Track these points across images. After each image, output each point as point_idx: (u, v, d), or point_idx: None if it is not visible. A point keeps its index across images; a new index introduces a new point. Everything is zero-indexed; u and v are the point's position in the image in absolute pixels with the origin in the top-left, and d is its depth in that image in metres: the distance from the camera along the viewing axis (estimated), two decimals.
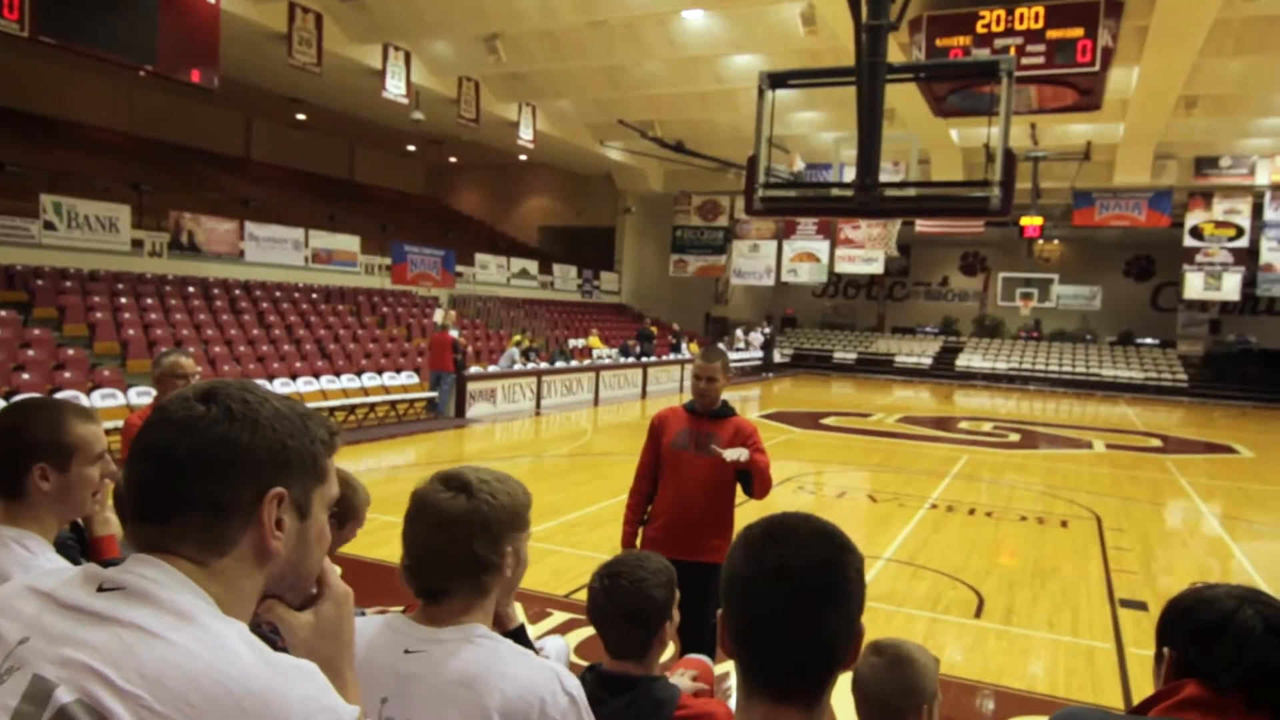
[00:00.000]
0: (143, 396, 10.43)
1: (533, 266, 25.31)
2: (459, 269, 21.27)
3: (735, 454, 3.70)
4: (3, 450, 1.78)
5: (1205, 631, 1.34)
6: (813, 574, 1.04)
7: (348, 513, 2.40)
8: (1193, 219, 23.17)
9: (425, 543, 1.44)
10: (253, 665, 0.87)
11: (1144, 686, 4.93)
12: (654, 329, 25.03)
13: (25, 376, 10.40)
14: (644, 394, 20.71)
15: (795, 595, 1.03)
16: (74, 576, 0.94)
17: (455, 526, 1.44)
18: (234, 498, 0.96)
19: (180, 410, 0.96)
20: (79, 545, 2.28)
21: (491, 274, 23.39)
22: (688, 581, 3.64)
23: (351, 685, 1.07)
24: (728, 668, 4.84)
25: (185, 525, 0.95)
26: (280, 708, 0.85)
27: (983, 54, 10.59)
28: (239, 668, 0.86)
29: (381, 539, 7.16)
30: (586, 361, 20.26)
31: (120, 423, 4.61)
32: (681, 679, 2.11)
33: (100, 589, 0.91)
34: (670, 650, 3.53)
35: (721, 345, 21.76)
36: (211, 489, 0.95)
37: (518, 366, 17.37)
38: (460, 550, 1.44)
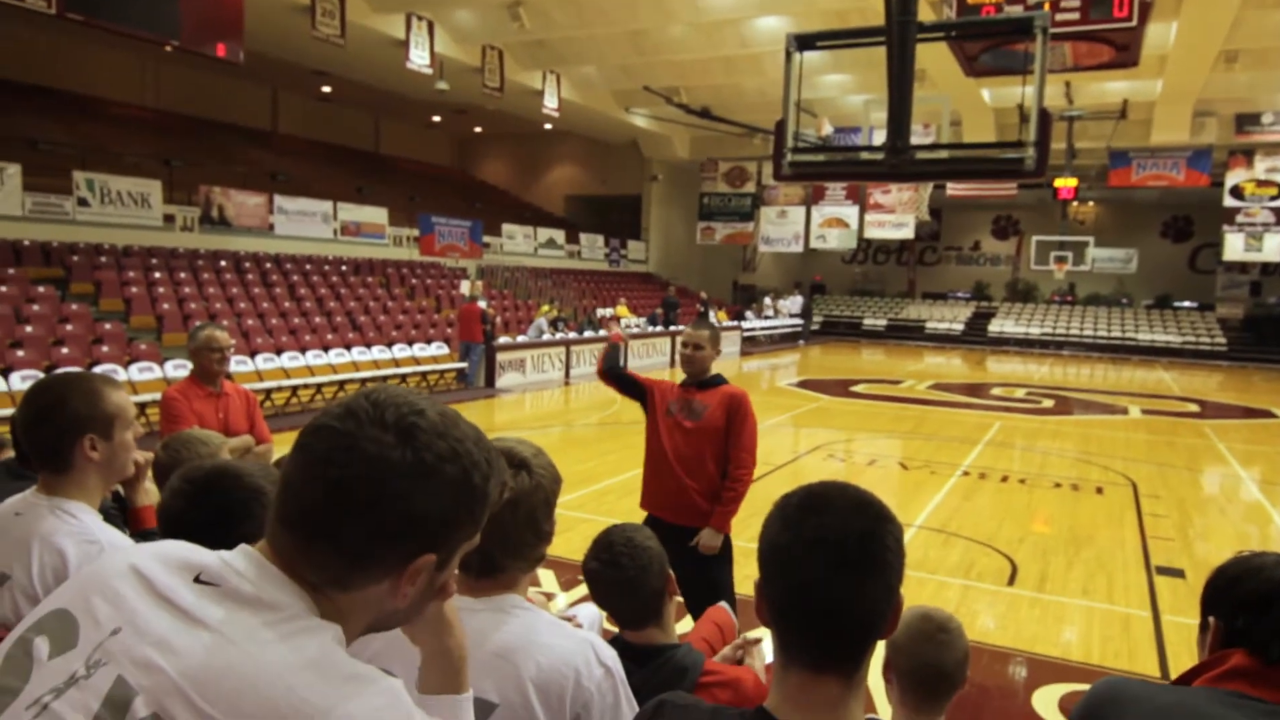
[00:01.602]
0: (179, 369, 10.59)
1: (559, 236, 25.27)
2: (486, 239, 21.30)
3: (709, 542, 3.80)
4: (49, 426, 1.82)
5: (1254, 601, 1.31)
6: (850, 544, 1.03)
7: None
8: (1233, 178, 22.58)
9: (492, 522, 1.44)
10: (333, 691, 0.83)
11: (1180, 654, 4.89)
12: (678, 298, 24.95)
13: (64, 351, 10.59)
14: (672, 362, 20.69)
15: (833, 566, 1.02)
16: (175, 559, 0.90)
17: (525, 505, 1.45)
18: (385, 555, 0.90)
19: (372, 444, 0.87)
20: (121, 514, 2.32)
21: (518, 244, 23.40)
22: (683, 546, 3.67)
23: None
24: (760, 633, 4.86)
25: (320, 557, 0.89)
26: None
27: (1016, 10, 10.31)
28: (321, 693, 0.82)
29: None
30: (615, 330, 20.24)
31: (158, 395, 4.67)
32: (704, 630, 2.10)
33: (198, 579, 0.88)
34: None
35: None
36: (367, 541, 0.88)
37: (546, 336, 17.41)
38: (529, 527, 1.47)
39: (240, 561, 0.90)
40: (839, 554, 1.03)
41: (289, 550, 0.90)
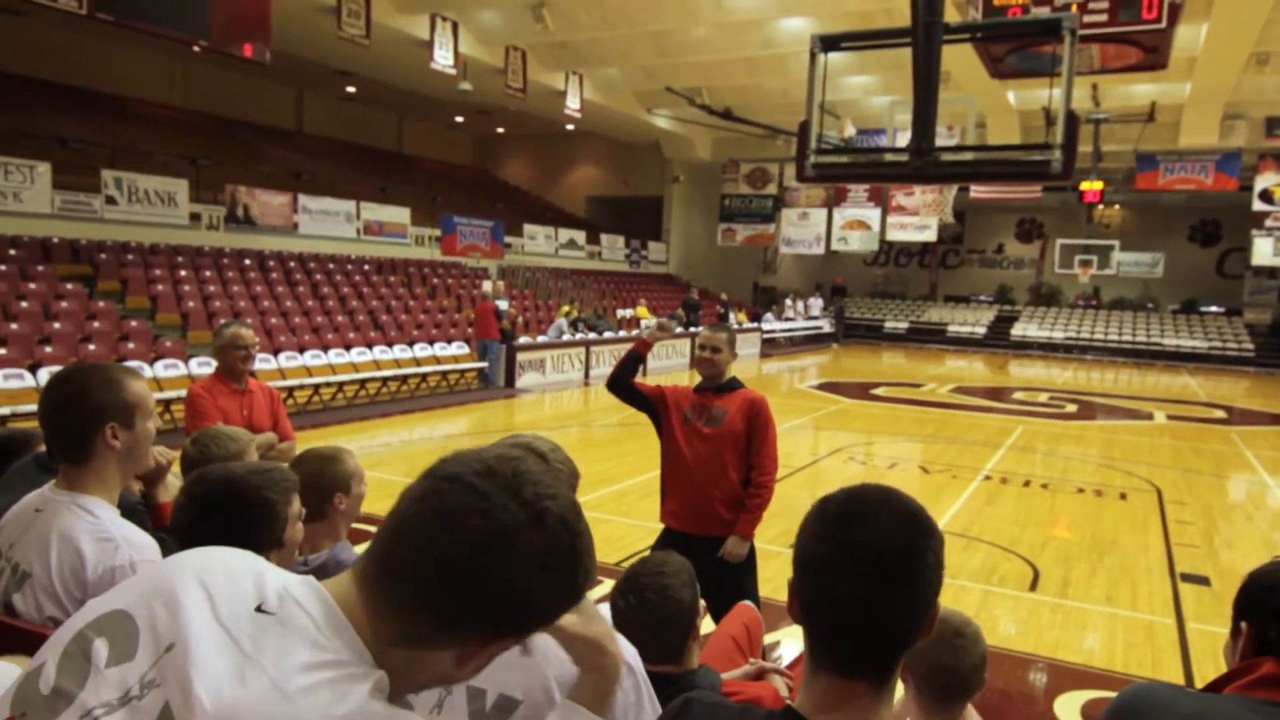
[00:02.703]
0: (204, 367, 10.70)
1: (580, 237, 25.32)
2: (507, 240, 21.38)
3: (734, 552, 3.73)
4: (71, 415, 1.82)
5: None
6: (890, 559, 1.01)
7: (334, 485, 2.35)
8: (1262, 182, 22.28)
9: None
10: None
11: (1205, 662, 4.83)
12: (699, 299, 24.85)
13: (91, 348, 10.72)
14: (691, 363, 20.68)
15: (870, 580, 1.00)
16: (242, 579, 0.87)
17: None
18: (471, 627, 0.86)
19: (505, 513, 0.84)
20: (147, 509, 2.35)
21: (539, 245, 23.46)
22: (706, 556, 3.64)
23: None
24: (778, 636, 4.82)
25: (407, 609, 0.85)
26: None
27: (1043, 12, 10.23)
28: None
29: None
30: (635, 332, 20.28)
31: (183, 392, 4.71)
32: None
33: (259, 608, 0.85)
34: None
35: (741, 315, 21.55)
36: (461, 609, 0.85)
37: (566, 337, 17.45)
38: None
39: (305, 596, 0.87)
40: (877, 569, 1.00)
41: (374, 592, 0.86)
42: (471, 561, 0.83)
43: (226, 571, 0.89)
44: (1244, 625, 1.35)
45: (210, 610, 0.85)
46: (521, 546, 0.84)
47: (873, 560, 1.00)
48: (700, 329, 3.95)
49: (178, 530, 1.65)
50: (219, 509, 1.64)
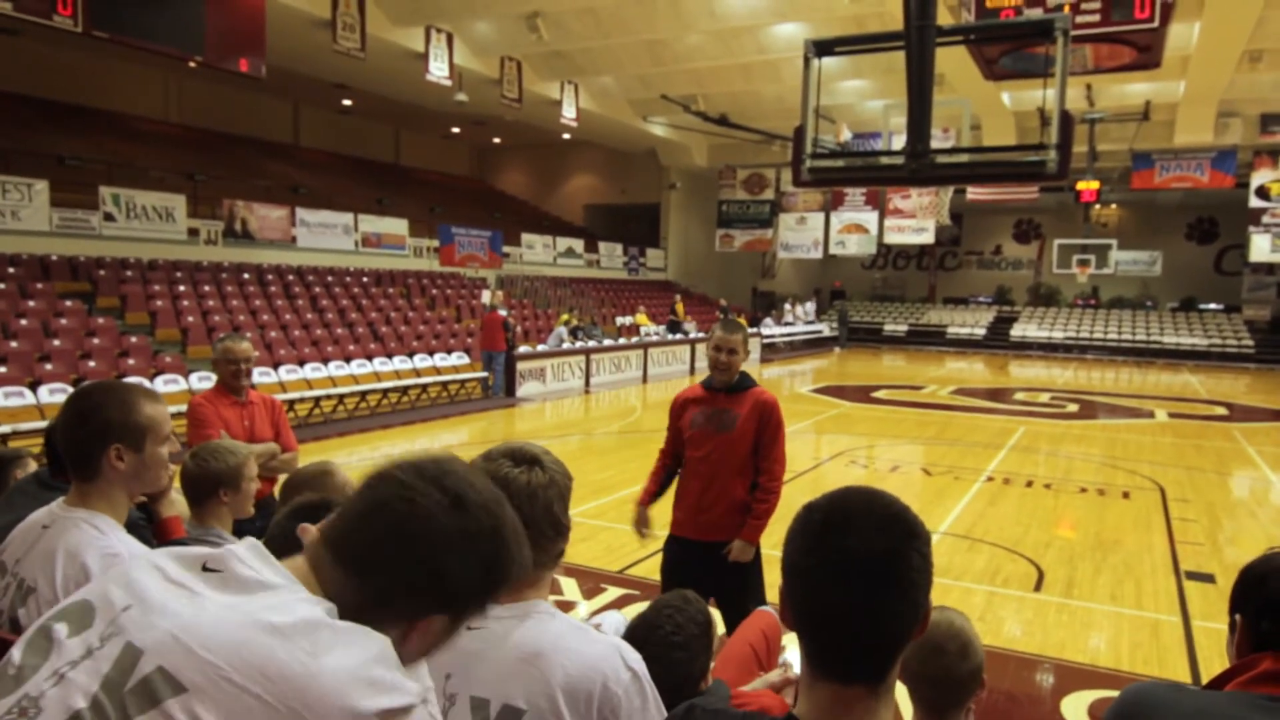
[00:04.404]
0: (204, 381, 10.69)
1: (579, 245, 25.34)
2: (506, 249, 21.40)
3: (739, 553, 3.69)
4: (78, 433, 1.84)
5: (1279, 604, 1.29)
6: (876, 565, 1.01)
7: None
8: (1259, 178, 22.31)
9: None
10: (316, 646, 0.88)
11: (1212, 659, 4.82)
12: (677, 311, 23.45)
13: (91, 364, 10.72)
14: (692, 370, 20.68)
15: (858, 586, 1.00)
16: (190, 553, 0.98)
17: (540, 499, 1.47)
18: (399, 605, 0.96)
19: (421, 496, 0.95)
20: (149, 525, 2.35)
21: (538, 254, 23.48)
22: (713, 560, 3.62)
23: None
24: (783, 642, 4.81)
25: (341, 587, 0.95)
26: (333, 692, 0.86)
27: (1035, 13, 10.25)
28: (307, 649, 0.88)
29: None
30: (634, 339, 20.27)
31: (183, 407, 4.71)
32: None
33: (205, 568, 0.95)
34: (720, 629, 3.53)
35: (741, 319, 21.34)
36: (386, 589, 0.96)
37: (566, 345, 17.45)
38: (547, 521, 1.48)
39: (245, 551, 0.97)
40: (863, 575, 1.00)
41: (321, 573, 0.97)
42: (394, 541, 0.94)
43: (175, 552, 0.99)
44: (1238, 618, 1.35)
45: (161, 577, 0.95)
46: (440, 527, 0.95)
47: (858, 566, 1.00)
48: (715, 331, 3.87)
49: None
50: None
